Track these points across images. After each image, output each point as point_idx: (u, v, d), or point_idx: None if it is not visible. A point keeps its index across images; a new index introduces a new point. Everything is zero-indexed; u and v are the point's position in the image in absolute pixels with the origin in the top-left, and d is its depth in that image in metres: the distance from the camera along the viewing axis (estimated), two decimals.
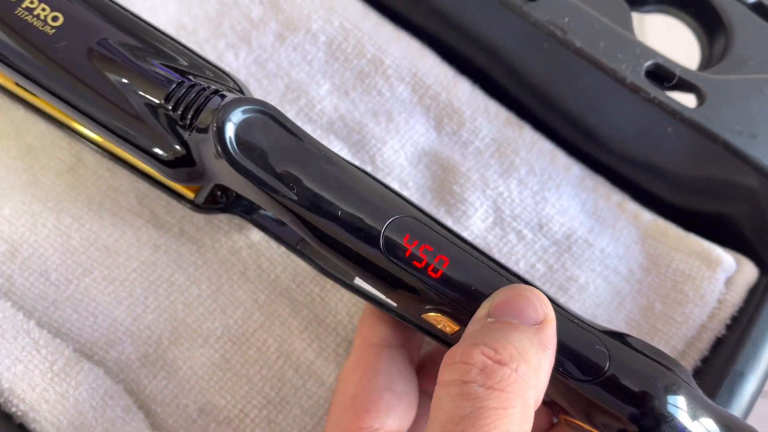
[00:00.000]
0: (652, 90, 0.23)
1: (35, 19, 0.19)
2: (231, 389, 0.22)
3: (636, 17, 0.27)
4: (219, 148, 0.18)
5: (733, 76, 0.23)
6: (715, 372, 0.22)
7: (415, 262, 0.18)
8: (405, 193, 0.25)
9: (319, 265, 0.22)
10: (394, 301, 0.19)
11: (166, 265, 0.23)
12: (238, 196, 0.22)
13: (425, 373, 0.21)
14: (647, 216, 0.25)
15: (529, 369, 0.16)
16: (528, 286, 0.18)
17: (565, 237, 0.25)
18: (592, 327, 0.18)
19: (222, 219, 0.24)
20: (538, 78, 0.25)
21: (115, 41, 0.19)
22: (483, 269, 0.18)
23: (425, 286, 0.18)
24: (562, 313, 0.18)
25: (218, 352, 0.23)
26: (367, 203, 0.18)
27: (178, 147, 0.19)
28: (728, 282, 0.24)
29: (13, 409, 0.20)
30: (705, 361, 0.23)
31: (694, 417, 0.17)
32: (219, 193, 0.22)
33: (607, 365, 0.17)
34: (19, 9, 0.19)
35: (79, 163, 0.24)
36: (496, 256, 0.24)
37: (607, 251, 0.25)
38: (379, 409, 0.19)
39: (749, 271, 0.24)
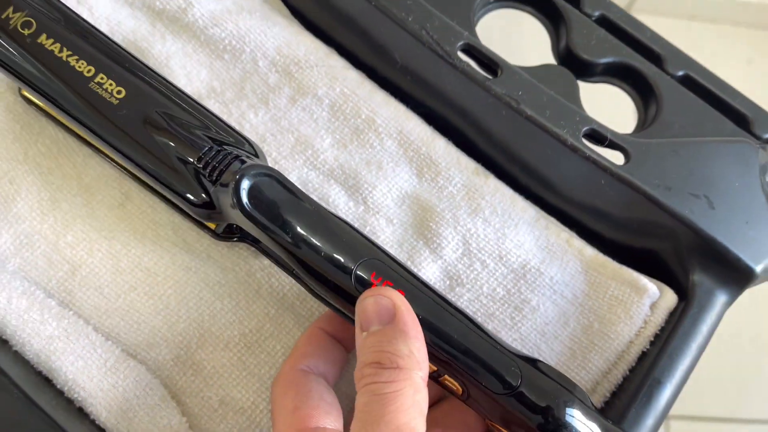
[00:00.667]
0: (587, 150, 0.28)
1: (104, 91, 0.25)
2: (246, 385, 0.28)
3: (591, 88, 0.33)
4: (234, 201, 0.24)
5: (654, 139, 0.29)
6: (639, 380, 0.28)
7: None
8: (390, 229, 0.30)
9: (309, 287, 0.27)
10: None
11: (195, 283, 0.29)
12: None
13: None
14: (589, 251, 0.30)
15: (403, 359, 0.21)
16: (371, 290, 0.22)
17: (521, 266, 0.30)
18: (511, 352, 0.24)
19: (242, 246, 0.29)
20: (500, 137, 0.30)
21: (164, 112, 0.25)
22: (429, 301, 0.24)
23: None
24: (488, 340, 0.24)
25: (236, 355, 0.28)
26: (344, 246, 0.24)
27: (203, 195, 0.25)
28: (652, 306, 0.29)
29: (75, 396, 0.25)
30: (632, 371, 0.28)
31: (586, 426, 0.22)
32: (235, 226, 0.28)
33: (519, 382, 0.23)
34: (92, 83, 0.25)
35: (127, 200, 0.30)
36: (465, 280, 0.30)
37: (556, 279, 0.30)
38: (320, 414, 0.23)
39: (670, 298, 0.29)
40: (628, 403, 0.27)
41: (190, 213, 0.27)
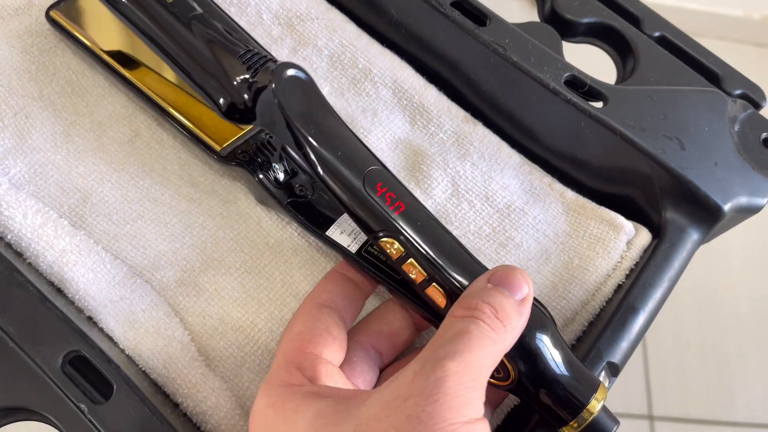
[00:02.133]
0: (568, 93, 0.30)
1: None
2: (244, 306, 0.29)
3: (574, 48, 0.35)
4: (272, 93, 0.25)
5: (631, 87, 0.31)
6: (615, 308, 0.29)
7: (383, 200, 0.25)
8: None
9: (301, 219, 0.29)
10: (361, 227, 0.26)
11: (199, 213, 0.31)
12: (251, 158, 0.30)
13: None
14: (570, 194, 0.32)
15: (510, 330, 0.22)
16: (519, 269, 0.24)
17: (505, 207, 0.32)
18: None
19: (244, 183, 0.31)
20: (488, 86, 0.33)
21: (210, 15, 0.27)
22: (425, 217, 0.26)
23: (387, 216, 0.25)
24: (473, 257, 0.25)
25: (236, 280, 0.30)
26: (359, 152, 0.26)
27: (243, 94, 0.26)
28: (628, 243, 0.31)
29: (85, 305, 0.27)
30: (608, 302, 0.30)
31: (551, 348, 0.24)
32: (239, 152, 0.30)
33: None
34: None
35: (137, 137, 0.32)
36: (453, 219, 0.32)
37: (539, 219, 0.32)
38: (319, 342, 0.24)
39: (644, 235, 0.31)
40: (604, 328, 0.28)
41: (220, 112, 0.27)
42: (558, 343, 0.25)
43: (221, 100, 0.26)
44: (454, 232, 0.31)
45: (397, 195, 0.25)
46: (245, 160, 0.29)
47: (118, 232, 0.30)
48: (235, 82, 0.26)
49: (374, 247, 0.27)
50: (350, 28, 0.34)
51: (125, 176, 0.31)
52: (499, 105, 0.33)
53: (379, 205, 0.25)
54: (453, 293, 0.25)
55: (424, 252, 0.25)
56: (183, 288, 0.29)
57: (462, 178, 0.32)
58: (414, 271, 0.25)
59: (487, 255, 0.31)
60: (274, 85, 0.25)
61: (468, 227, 0.32)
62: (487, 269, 0.25)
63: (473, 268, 0.25)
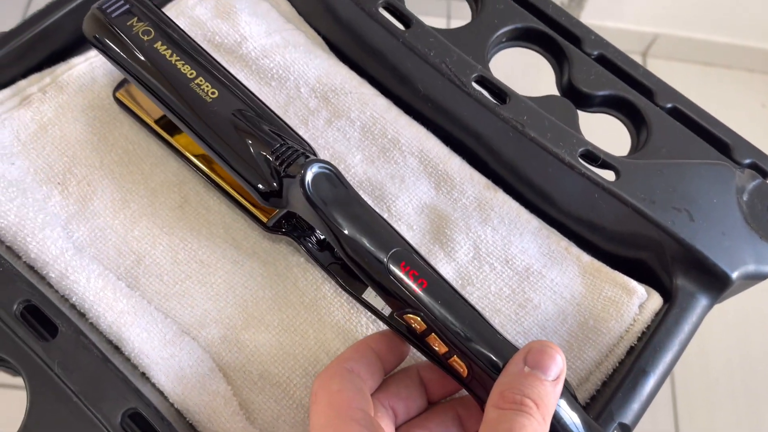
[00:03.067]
0: (583, 167, 0.33)
1: (201, 91, 0.30)
2: (282, 363, 0.32)
3: (591, 117, 0.37)
4: (300, 189, 0.28)
5: (642, 160, 0.33)
6: (627, 370, 0.31)
7: (406, 280, 0.28)
8: (410, 233, 0.35)
9: (340, 282, 0.32)
10: (387, 303, 0.29)
11: (241, 275, 0.33)
12: (294, 227, 0.33)
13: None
14: (586, 257, 0.34)
15: (546, 413, 0.25)
16: (552, 345, 0.26)
17: (524, 269, 0.34)
18: (511, 344, 0.28)
19: (282, 246, 0.34)
20: (508, 156, 0.35)
21: (247, 112, 0.30)
22: (447, 292, 0.28)
23: (409, 295, 0.27)
24: (493, 330, 0.28)
25: (274, 337, 0.32)
26: (382, 235, 0.28)
27: (274, 183, 0.29)
28: (641, 306, 0.33)
29: (140, 362, 0.30)
30: (621, 363, 0.32)
31: (569, 414, 0.26)
32: (284, 221, 0.33)
33: None
34: (193, 83, 0.30)
35: (186, 203, 0.35)
36: (474, 280, 0.34)
37: (556, 281, 0.34)
38: (359, 400, 0.26)
39: (656, 300, 0.33)
40: (616, 389, 0.30)
41: (258, 199, 0.31)
42: (575, 406, 0.27)
43: (257, 188, 0.30)
44: (476, 294, 0.34)
45: (419, 272, 0.28)
46: (290, 228, 0.32)
47: (168, 291, 0.33)
48: (268, 175, 0.29)
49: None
50: (381, 102, 0.37)
51: (175, 239, 0.34)
52: (518, 173, 0.35)
53: (402, 285, 0.27)
54: (473, 365, 0.27)
55: (444, 328, 0.27)
56: (226, 345, 0.32)
57: (483, 242, 0.35)
58: (436, 344, 0.27)
59: (507, 315, 0.33)
60: (302, 180, 0.28)
61: (489, 288, 0.34)
62: (506, 341, 0.27)
63: (494, 341, 0.27)
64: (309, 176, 0.28)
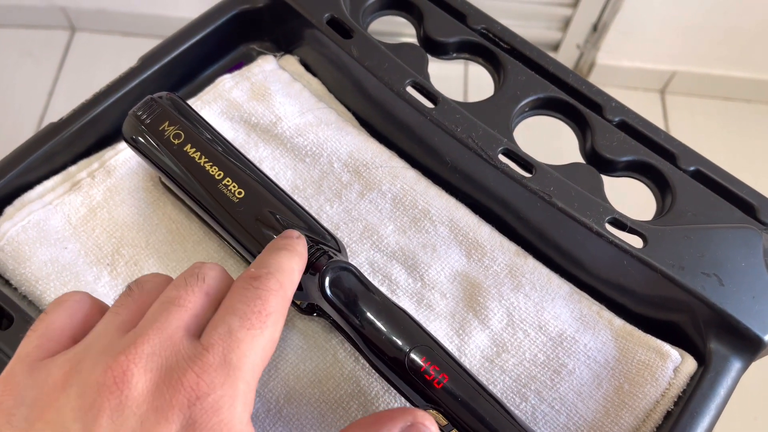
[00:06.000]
0: (611, 236, 0.34)
1: (228, 191, 0.32)
2: None
3: (616, 181, 0.38)
4: (320, 289, 0.30)
5: (669, 226, 0.34)
6: None
7: (426, 376, 0.29)
8: (443, 302, 0.36)
9: (374, 365, 0.33)
10: (408, 400, 0.30)
11: (282, 348, 0.35)
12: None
13: None
14: (618, 321, 0.35)
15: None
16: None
17: (558, 335, 0.35)
18: None
19: (320, 318, 0.35)
20: (537, 224, 0.36)
21: (271, 211, 0.32)
22: (468, 386, 0.29)
23: (429, 393, 0.28)
24: (515, 424, 0.28)
25: (317, 410, 0.33)
26: (402, 332, 0.29)
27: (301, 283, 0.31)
28: (675, 370, 0.33)
29: None
30: (658, 428, 0.32)
31: None
32: (316, 305, 0.34)
33: None
34: (220, 184, 0.32)
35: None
36: (509, 347, 0.35)
37: (589, 346, 0.35)
38: None
39: (690, 363, 0.33)
40: None
41: None
42: None
43: None
44: (511, 361, 0.34)
45: (441, 367, 0.29)
46: (321, 311, 0.34)
47: None
48: None
49: None
50: (410, 174, 0.38)
51: None
52: (548, 240, 0.36)
53: (422, 383, 0.28)
54: None
55: (465, 424, 0.28)
56: (270, 418, 0.33)
57: (516, 309, 0.35)
58: None
59: (542, 382, 0.34)
60: (321, 281, 0.30)
61: (524, 355, 0.35)
62: (529, 429, 0.28)
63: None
64: (328, 277, 0.30)
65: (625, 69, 1.32)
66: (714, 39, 1.23)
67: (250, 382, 0.24)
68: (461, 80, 1.33)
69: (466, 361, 0.34)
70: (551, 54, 1.06)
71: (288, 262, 0.28)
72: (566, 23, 1.28)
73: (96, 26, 1.38)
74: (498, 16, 0.41)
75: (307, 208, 0.37)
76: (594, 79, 1.33)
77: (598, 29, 1.25)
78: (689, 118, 1.32)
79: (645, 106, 1.33)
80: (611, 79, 1.33)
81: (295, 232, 0.30)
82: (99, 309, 0.26)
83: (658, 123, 1.31)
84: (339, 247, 0.33)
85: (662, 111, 1.33)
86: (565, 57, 1.33)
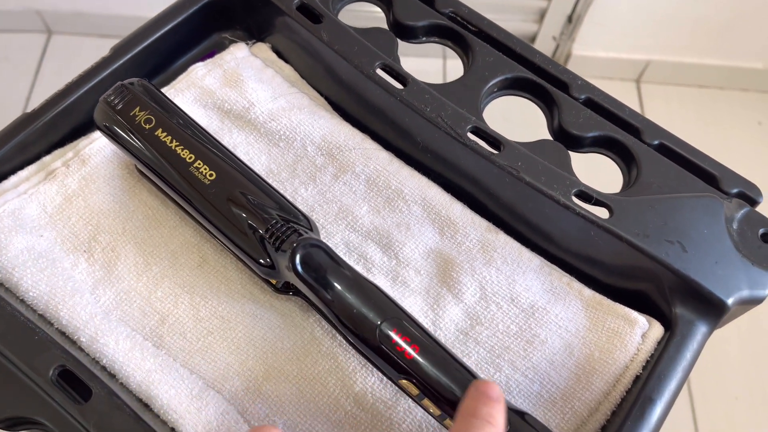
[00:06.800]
0: (577, 207, 0.34)
1: (200, 174, 0.33)
2: (303, 411, 0.33)
3: (583, 157, 0.39)
4: (291, 265, 0.30)
5: (634, 197, 0.35)
6: (634, 399, 0.32)
7: (397, 348, 0.29)
8: (418, 278, 0.36)
9: (348, 340, 0.33)
10: (381, 371, 0.31)
11: (260, 328, 0.35)
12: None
13: None
14: (588, 291, 0.36)
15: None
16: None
17: (530, 306, 0.36)
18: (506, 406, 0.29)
19: (298, 298, 0.36)
20: (507, 200, 0.37)
21: (242, 191, 0.32)
22: (439, 355, 0.29)
23: (400, 364, 0.29)
24: None
25: (295, 386, 0.34)
26: (372, 306, 0.30)
27: (268, 258, 0.32)
28: (643, 336, 0.34)
29: (168, 418, 0.31)
30: (628, 392, 0.33)
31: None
32: (291, 284, 0.34)
33: (508, 430, 0.28)
34: (192, 167, 0.33)
35: (205, 263, 0.37)
36: (483, 320, 0.35)
37: (560, 316, 0.36)
38: None
39: (657, 328, 0.34)
40: (625, 418, 0.31)
41: (257, 271, 0.34)
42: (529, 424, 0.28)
43: (256, 263, 0.32)
44: (485, 333, 0.35)
45: (411, 338, 0.29)
46: (297, 290, 0.34)
47: (192, 348, 0.35)
48: (262, 251, 0.32)
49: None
50: (383, 155, 0.39)
51: (196, 297, 0.36)
52: (517, 215, 0.37)
53: (393, 355, 0.29)
54: None
55: (436, 393, 0.29)
56: (249, 396, 0.34)
57: (489, 283, 0.36)
58: (431, 408, 0.29)
59: (516, 352, 0.35)
60: (292, 258, 0.31)
61: (497, 327, 0.35)
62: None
63: None
64: (298, 254, 0.30)
65: (600, 59, 1.33)
66: (686, 28, 1.25)
67: None
68: (440, 75, 1.34)
69: (441, 335, 0.35)
70: None
71: None
72: (541, 15, 1.29)
73: (72, 29, 1.37)
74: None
75: (281, 191, 0.38)
76: (571, 69, 1.34)
77: (572, 21, 1.27)
78: (665, 107, 1.34)
79: (621, 96, 1.33)
80: (587, 69, 1.35)
81: (496, 389, 0.28)
82: None
83: None
84: (311, 226, 0.33)
85: (638, 100, 1.35)
86: (542, 49, 1.35)
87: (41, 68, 1.34)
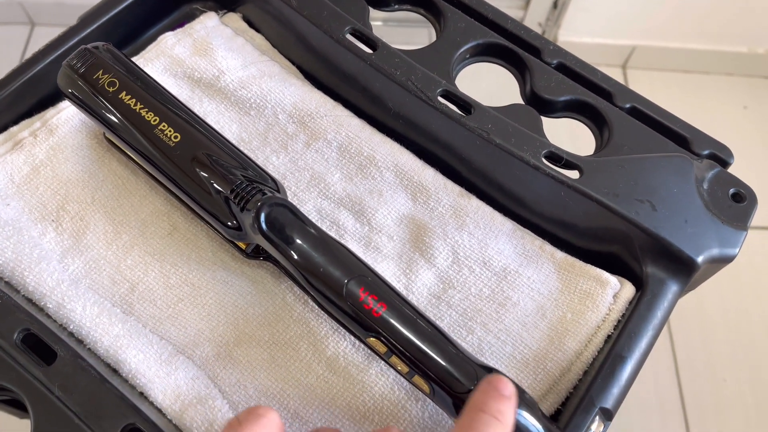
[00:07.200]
0: (547, 168, 0.34)
1: (164, 136, 0.32)
2: (275, 375, 0.33)
3: (557, 121, 0.39)
4: (256, 225, 0.30)
5: (604, 158, 0.35)
6: (605, 357, 0.32)
7: (364, 306, 0.29)
8: (391, 244, 0.36)
9: (318, 302, 0.33)
10: (349, 330, 0.31)
11: (231, 294, 0.35)
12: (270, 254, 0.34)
13: None
14: (560, 254, 0.36)
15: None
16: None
17: (502, 269, 0.36)
18: (472, 361, 0.29)
19: (269, 264, 0.36)
20: (479, 164, 0.37)
21: (207, 153, 0.32)
22: (407, 315, 0.29)
23: (368, 321, 0.29)
24: (452, 349, 0.29)
25: (267, 352, 0.34)
26: (338, 264, 0.30)
27: (234, 220, 0.31)
28: (615, 296, 0.34)
29: (137, 382, 0.31)
30: (600, 351, 0.33)
31: (532, 426, 0.28)
32: (261, 248, 0.34)
33: (475, 384, 0.28)
34: (156, 129, 0.32)
35: (175, 231, 0.36)
36: (455, 283, 0.35)
37: (533, 278, 0.35)
38: None
39: (628, 289, 0.34)
40: (596, 376, 0.31)
41: (224, 234, 0.33)
42: (537, 415, 0.28)
43: (222, 224, 0.32)
44: (457, 296, 0.35)
45: (378, 296, 0.29)
46: (267, 254, 0.34)
47: (162, 314, 0.34)
48: (228, 212, 0.31)
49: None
50: (355, 122, 0.39)
51: (166, 265, 0.35)
52: (489, 179, 0.37)
53: (360, 312, 0.29)
54: (433, 384, 0.29)
55: (403, 350, 0.28)
56: (220, 362, 0.33)
57: (461, 247, 0.36)
58: (399, 365, 0.29)
59: (488, 314, 0.35)
60: (257, 217, 0.30)
61: (470, 290, 0.35)
62: (465, 359, 0.29)
63: (452, 360, 0.29)
64: (263, 213, 0.30)
65: (586, 45, 1.33)
66: (671, 13, 1.25)
67: None
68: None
69: (413, 299, 0.35)
70: None
71: None
72: (527, 1, 1.29)
73: (55, 20, 1.36)
74: None
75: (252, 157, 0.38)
76: None
77: (558, 6, 1.27)
78: (650, 92, 1.34)
79: None
80: None
81: (509, 387, 0.28)
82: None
83: None
84: (278, 188, 0.33)
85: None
86: None
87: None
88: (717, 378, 1.07)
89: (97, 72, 0.33)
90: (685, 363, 1.07)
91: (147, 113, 0.32)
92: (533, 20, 1.32)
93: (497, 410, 0.27)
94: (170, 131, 0.32)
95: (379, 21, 1.26)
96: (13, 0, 1.33)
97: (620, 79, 1.36)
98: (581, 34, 1.32)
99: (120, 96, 0.33)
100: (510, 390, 0.28)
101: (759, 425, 1.02)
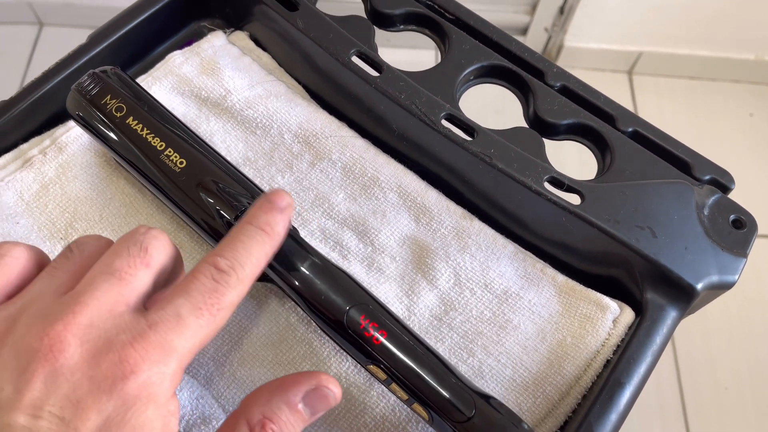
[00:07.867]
0: (549, 194, 0.35)
1: (170, 161, 0.33)
2: None
3: (560, 144, 0.40)
4: None
5: (605, 183, 0.35)
6: (604, 382, 0.33)
7: (365, 333, 0.30)
8: (393, 265, 0.37)
9: (321, 327, 0.34)
10: (350, 356, 0.31)
11: (235, 314, 0.35)
12: None
13: None
14: (561, 277, 0.36)
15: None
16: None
17: (503, 292, 0.36)
18: (470, 389, 0.29)
19: (273, 284, 0.36)
20: (481, 187, 0.37)
21: (212, 179, 0.33)
22: (407, 343, 0.30)
23: (368, 350, 0.29)
24: (451, 377, 0.29)
25: (270, 371, 0.34)
26: (340, 292, 0.30)
27: None
28: (614, 321, 0.35)
29: None
30: (599, 376, 0.34)
31: None
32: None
33: (473, 413, 0.29)
34: (162, 155, 0.33)
35: (181, 248, 0.37)
36: (456, 305, 0.36)
37: (533, 302, 0.36)
38: None
39: (628, 313, 0.35)
40: (594, 401, 0.32)
41: None
42: None
43: None
44: (458, 318, 0.36)
45: (379, 324, 0.30)
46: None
47: None
48: None
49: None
50: (359, 143, 0.39)
51: None
52: (491, 202, 0.37)
53: (361, 340, 0.29)
54: (432, 412, 0.29)
55: (403, 378, 0.29)
56: (224, 381, 0.34)
57: (463, 269, 0.37)
58: (398, 392, 0.29)
59: (489, 337, 0.35)
60: None
61: (471, 312, 0.36)
62: (463, 388, 0.29)
63: (454, 388, 0.29)
64: None
65: (592, 51, 1.33)
66: (677, 19, 1.25)
67: (183, 364, 0.24)
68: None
69: (415, 321, 0.36)
70: (519, 38, 1.08)
71: (260, 251, 0.26)
72: (533, 7, 1.29)
73: (63, 20, 1.37)
74: (465, 2, 0.42)
75: (258, 179, 0.38)
76: (562, 61, 1.34)
77: (564, 12, 1.27)
78: (656, 98, 1.34)
79: (613, 87, 1.35)
80: (579, 61, 1.35)
81: (285, 199, 0.28)
82: (37, 263, 0.26)
83: (626, 103, 1.34)
84: None
85: (630, 91, 1.35)
86: (534, 40, 1.35)
87: (32, 60, 1.34)
88: (719, 386, 1.08)
89: (105, 97, 0.34)
90: (688, 371, 1.07)
91: (153, 138, 0.33)
92: (540, 26, 1.32)
93: (265, 221, 0.26)
94: (176, 157, 0.33)
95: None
96: (21, 0, 1.33)
97: (626, 86, 1.36)
98: (588, 40, 1.32)
99: (127, 121, 0.33)
100: (285, 202, 0.27)
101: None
